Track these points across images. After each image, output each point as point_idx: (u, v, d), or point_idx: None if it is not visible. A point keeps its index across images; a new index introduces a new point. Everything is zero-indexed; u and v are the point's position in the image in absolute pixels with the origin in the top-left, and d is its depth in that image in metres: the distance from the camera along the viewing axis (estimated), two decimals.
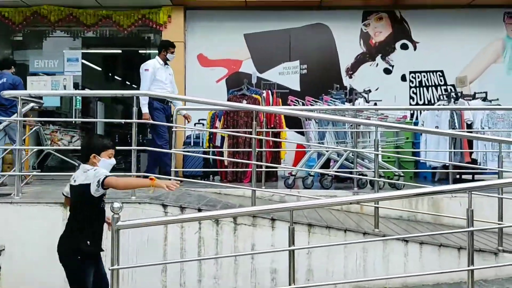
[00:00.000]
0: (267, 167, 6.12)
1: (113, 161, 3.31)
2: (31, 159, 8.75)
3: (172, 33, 8.47)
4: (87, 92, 8.26)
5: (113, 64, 11.68)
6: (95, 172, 3.12)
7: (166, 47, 6.47)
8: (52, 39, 8.88)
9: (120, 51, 10.57)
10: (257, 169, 4.90)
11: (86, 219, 3.18)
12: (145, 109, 6.01)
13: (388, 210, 5.11)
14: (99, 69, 11.37)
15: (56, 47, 8.89)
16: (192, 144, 7.68)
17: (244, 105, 5.33)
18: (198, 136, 7.63)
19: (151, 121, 5.83)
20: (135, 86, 11.98)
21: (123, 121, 5.57)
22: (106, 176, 3.09)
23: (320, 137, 6.58)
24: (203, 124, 7.92)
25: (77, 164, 8.89)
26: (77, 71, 8.78)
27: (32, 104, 5.03)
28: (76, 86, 8.97)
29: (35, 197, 4.82)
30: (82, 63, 9.13)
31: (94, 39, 9.16)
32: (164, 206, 4.57)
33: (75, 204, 3.23)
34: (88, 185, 3.09)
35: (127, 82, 12.22)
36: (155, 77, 6.27)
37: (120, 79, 12.19)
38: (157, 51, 6.66)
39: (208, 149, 7.22)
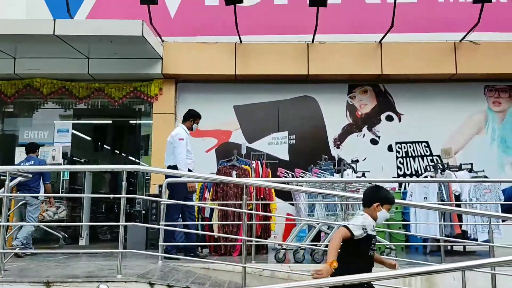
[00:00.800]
0: (257, 240, 6.02)
1: (388, 215, 3.47)
2: (15, 232, 8.52)
3: (163, 105, 8.64)
4: (76, 167, 8.26)
5: (103, 134, 11.76)
6: (358, 218, 3.34)
7: (194, 118, 6.59)
8: (43, 110, 8.99)
9: (110, 122, 10.68)
10: (247, 243, 4.82)
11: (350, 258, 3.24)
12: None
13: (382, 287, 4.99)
14: (90, 139, 11.42)
15: (47, 118, 8.98)
16: None
17: (233, 178, 5.34)
18: None
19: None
20: (124, 155, 12.02)
21: (111, 196, 5.49)
22: (345, 226, 3.26)
23: (310, 209, 6.55)
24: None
25: (61, 237, 8.70)
26: (67, 141, 8.81)
27: (19, 179, 4.98)
28: (65, 156, 8.96)
29: (18, 275, 4.64)
30: (73, 133, 9.18)
31: (85, 110, 9.28)
32: (151, 284, 4.40)
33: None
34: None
35: (116, 151, 12.24)
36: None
37: (110, 148, 12.21)
38: (148, 121, 6.75)
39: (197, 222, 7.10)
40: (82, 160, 10.73)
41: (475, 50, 8.50)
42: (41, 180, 6.88)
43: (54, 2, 8.76)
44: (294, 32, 8.75)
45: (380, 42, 8.56)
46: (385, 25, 8.19)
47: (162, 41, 8.54)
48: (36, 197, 6.77)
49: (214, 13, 8.89)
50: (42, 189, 6.92)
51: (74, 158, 10.50)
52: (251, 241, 5.53)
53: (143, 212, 7.76)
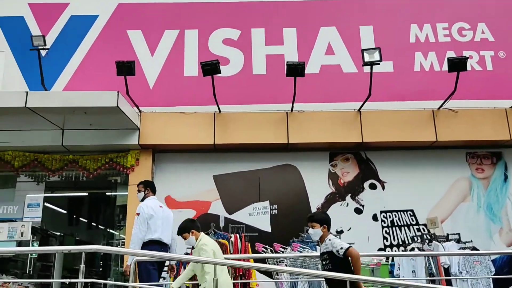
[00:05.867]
0: None
1: None
2: None
3: (139, 176, 8.31)
4: (33, 248, 7.83)
5: (78, 206, 11.34)
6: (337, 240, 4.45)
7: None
8: (13, 184, 8.61)
9: (85, 194, 10.31)
10: None
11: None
12: None
13: None
14: (63, 211, 10.98)
15: (17, 191, 8.60)
16: None
17: (212, 259, 4.97)
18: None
19: None
20: (102, 227, 11.53)
21: (67, 281, 5.07)
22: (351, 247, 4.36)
23: (292, 287, 6.14)
24: (167, 272, 7.40)
25: None
26: (37, 216, 8.38)
27: None
28: (34, 231, 8.50)
29: None
30: (46, 207, 8.78)
31: (58, 182, 8.94)
32: None
33: None
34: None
35: (93, 224, 11.76)
36: None
37: (85, 221, 11.74)
38: (124, 193, 6.58)
39: None
40: (58, 234, 10.23)
41: (453, 118, 8.52)
42: None
43: (31, 75, 8.69)
44: (273, 101, 8.75)
45: (359, 110, 8.55)
46: (363, 93, 8.22)
47: (140, 111, 8.43)
48: None
49: (193, 83, 8.90)
50: None
51: (48, 232, 10.02)
52: None
53: None
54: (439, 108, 8.55)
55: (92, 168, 8.32)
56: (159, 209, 6.33)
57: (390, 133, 8.48)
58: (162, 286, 6.89)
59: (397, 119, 8.53)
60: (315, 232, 4.43)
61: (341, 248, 4.19)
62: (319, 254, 4.30)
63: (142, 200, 6.40)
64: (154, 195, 6.58)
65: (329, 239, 4.38)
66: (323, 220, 4.49)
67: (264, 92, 8.92)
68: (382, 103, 8.70)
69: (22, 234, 8.09)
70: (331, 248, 4.30)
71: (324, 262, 4.36)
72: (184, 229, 5.11)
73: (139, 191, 6.51)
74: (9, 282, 8.23)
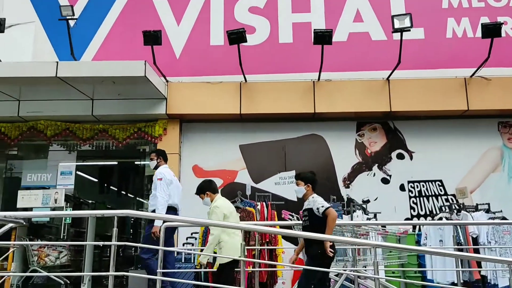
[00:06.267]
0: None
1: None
2: (15, 277, 8.28)
3: (167, 145, 8.46)
4: (67, 212, 8.10)
5: (109, 175, 11.62)
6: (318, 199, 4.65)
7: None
8: (46, 153, 8.87)
9: (115, 163, 10.54)
10: None
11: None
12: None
13: None
14: (94, 180, 11.28)
15: (50, 160, 8.86)
16: (183, 260, 7.28)
17: (238, 224, 5.06)
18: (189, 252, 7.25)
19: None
20: (131, 196, 11.83)
21: (101, 243, 5.27)
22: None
23: None
24: (195, 238, 7.59)
25: (62, 283, 8.41)
26: (70, 184, 8.64)
27: (10, 225, 4.78)
28: (67, 199, 8.78)
29: None
30: (78, 175, 9.04)
31: (89, 152, 9.17)
32: None
33: None
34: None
35: (122, 192, 12.06)
36: None
37: (115, 189, 12.04)
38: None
39: (199, 269, 6.79)
40: (90, 202, 10.56)
41: (486, 86, 8.27)
42: None
43: (61, 46, 8.82)
44: (299, 70, 8.65)
45: (387, 78, 8.38)
46: (392, 61, 8.04)
47: (167, 81, 8.48)
48: None
49: (219, 52, 8.87)
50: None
51: (81, 200, 10.35)
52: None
53: None
54: (471, 76, 8.30)
55: (121, 137, 8.48)
56: (174, 177, 6.50)
57: (419, 102, 8.31)
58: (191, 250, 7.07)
59: (427, 87, 8.34)
60: (299, 189, 4.71)
61: (322, 207, 4.40)
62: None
63: (155, 168, 6.52)
64: (166, 163, 6.70)
65: (312, 197, 4.60)
66: (308, 179, 4.76)
67: (290, 61, 8.83)
68: (411, 71, 8.49)
69: (56, 200, 8.38)
70: (311, 205, 4.52)
71: (304, 219, 4.61)
72: (200, 189, 5.29)
73: (151, 159, 6.65)
74: (45, 246, 8.60)
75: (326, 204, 4.46)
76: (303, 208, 4.70)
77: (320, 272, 4.33)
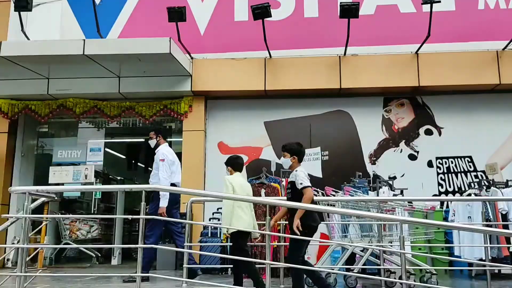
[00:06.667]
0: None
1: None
2: (48, 250, 8.61)
3: (193, 122, 8.55)
4: (96, 187, 8.34)
5: (136, 152, 11.82)
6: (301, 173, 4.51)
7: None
8: (76, 130, 9.08)
9: (142, 140, 10.71)
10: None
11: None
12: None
13: None
14: (123, 157, 11.50)
15: (80, 137, 9.07)
16: (209, 235, 7.42)
17: (258, 198, 5.09)
18: (216, 226, 7.36)
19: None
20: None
21: (130, 217, 5.39)
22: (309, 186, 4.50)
23: (343, 230, 6.20)
24: (221, 213, 7.68)
25: (93, 256, 8.72)
26: (99, 160, 8.86)
27: (43, 199, 4.94)
28: (97, 175, 9.00)
29: None
30: (106, 151, 9.23)
31: (117, 129, 9.33)
32: None
33: None
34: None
35: (149, 169, 12.25)
36: None
37: (143, 166, 12.26)
38: (179, 139, 6.75)
39: (225, 243, 6.90)
40: (118, 178, 10.81)
41: None
42: None
43: (87, 24, 8.90)
44: (325, 45, 8.51)
45: (416, 52, 8.17)
46: (422, 35, 7.82)
47: (192, 58, 8.49)
48: None
49: (244, 28, 8.79)
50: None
51: (110, 176, 10.60)
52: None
53: None
54: (504, 49, 8.02)
55: (148, 114, 8.58)
56: (175, 155, 6.55)
57: (449, 76, 8.09)
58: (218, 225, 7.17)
59: (458, 61, 8.10)
60: (285, 161, 4.67)
61: (300, 184, 4.41)
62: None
63: (155, 147, 6.54)
64: (166, 141, 6.69)
65: (296, 170, 4.56)
66: (293, 150, 4.65)
67: (316, 36, 8.68)
68: (441, 44, 8.25)
69: (86, 176, 8.61)
70: (294, 179, 4.53)
71: (288, 191, 4.67)
72: (226, 163, 5.31)
73: (150, 138, 6.61)
74: (76, 220, 8.89)
75: (306, 183, 4.42)
76: (288, 180, 4.74)
77: (294, 243, 4.40)
